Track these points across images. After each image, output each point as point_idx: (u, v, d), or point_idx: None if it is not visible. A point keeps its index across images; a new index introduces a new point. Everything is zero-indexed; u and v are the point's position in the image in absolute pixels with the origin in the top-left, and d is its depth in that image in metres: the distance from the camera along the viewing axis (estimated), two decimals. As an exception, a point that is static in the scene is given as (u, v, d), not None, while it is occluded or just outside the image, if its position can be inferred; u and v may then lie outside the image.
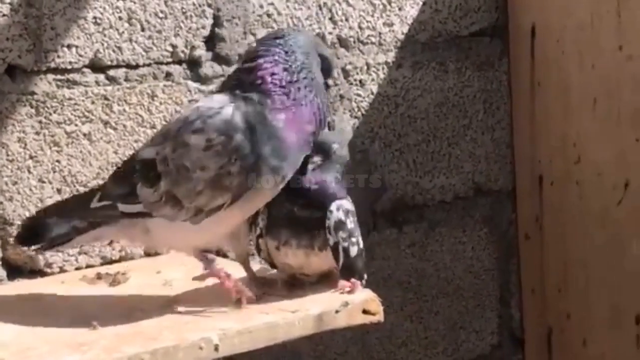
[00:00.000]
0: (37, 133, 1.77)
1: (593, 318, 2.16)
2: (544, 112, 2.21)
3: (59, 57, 1.78)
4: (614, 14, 2.03)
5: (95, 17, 1.81)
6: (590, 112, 2.11)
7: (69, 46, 1.79)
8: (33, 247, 1.61)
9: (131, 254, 1.84)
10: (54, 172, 1.79)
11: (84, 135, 1.81)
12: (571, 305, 2.20)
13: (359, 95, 2.11)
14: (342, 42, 2.08)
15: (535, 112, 2.23)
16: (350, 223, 1.57)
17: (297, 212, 1.54)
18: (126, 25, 1.84)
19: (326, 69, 1.56)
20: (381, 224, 2.14)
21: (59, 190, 1.79)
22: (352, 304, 1.53)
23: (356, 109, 2.11)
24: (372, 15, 2.11)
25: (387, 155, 2.14)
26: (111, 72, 1.83)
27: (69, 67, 1.79)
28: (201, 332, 1.42)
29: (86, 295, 1.64)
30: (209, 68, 1.93)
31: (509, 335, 2.32)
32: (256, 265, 1.91)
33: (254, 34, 1.97)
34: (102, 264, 1.81)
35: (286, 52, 1.52)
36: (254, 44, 1.71)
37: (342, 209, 1.56)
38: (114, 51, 1.83)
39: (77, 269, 1.80)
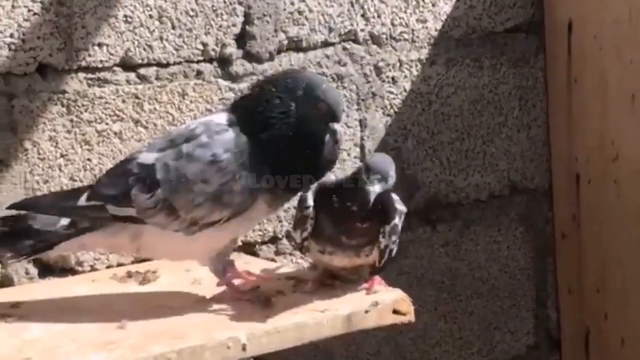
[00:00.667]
0: (68, 132, 1.77)
1: (631, 318, 2.12)
2: (581, 109, 2.18)
3: (89, 55, 1.78)
4: (652, 8, 1.99)
5: (125, 16, 1.81)
6: (628, 108, 2.07)
7: (99, 45, 1.79)
8: (8, 255, 1.55)
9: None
10: (85, 170, 1.79)
11: (115, 133, 1.81)
12: (609, 305, 2.16)
13: (391, 92, 2.09)
14: (375, 39, 2.06)
15: (572, 109, 2.20)
16: (400, 224, 1.55)
17: (357, 225, 1.51)
18: (157, 23, 1.84)
19: (326, 113, 1.50)
20: (414, 223, 2.12)
21: (89, 189, 1.78)
22: (382, 304, 1.51)
23: (389, 107, 2.09)
24: (405, 12, 2.09)
25: (420, 153, 2.12)
26: (142, 71, 1.83)
27: (100, 65, 1.79)
28: (229, 332, 1.41)
29: (116, 294, 1.64)
30: (239, 66, 1.92)
31: (546, 336, 2.29)
32: (289, 264, 1.90)
33: (285, 32, 1.96)
34: (132, 262, 1.81)
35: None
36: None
37: (400, 215, 1.54)
38: (144, 50, 1.83)
39: (107, 267, 1.80)
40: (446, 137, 2.15)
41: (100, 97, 1.80)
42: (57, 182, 1.77)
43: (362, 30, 2.05)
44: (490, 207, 2.21)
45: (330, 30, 2.01)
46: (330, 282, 1.59)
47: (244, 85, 1.91)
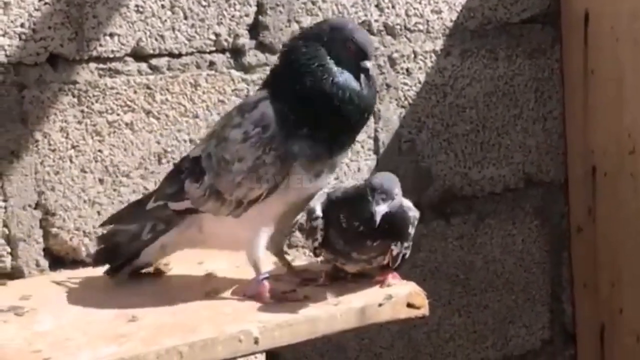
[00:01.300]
0: (79, 122, 1.76)
1: (648, 313, 2.10)
2: (598, 101, 2.15)
3: (101, 45, 1.77)
4: (670, -1, 1.96)
5: (137, 5, 1.79)
6: (645, 100, 2.04)
7: (111, 35, 1.77)
8: (110, 270, 1.63)
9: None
10: (96, 161, 1.78)
11: (126, 124, 1.79)
12: (625, 300, 2.14)
13: (405, 84, 2.06)
14: (389, 30, 2.04)
15: (589, 101, 2.17)
16: (413, 231, 1.53)
17: (368, 243, 1.49)
18: (169, 13, 1.82)
19: (356, 52, 1.50)
20: (428, 215, 2.10)
21: (100, 180, 1.78)
22: (396, 297, 1.49)
23: (403, 98, 2.06)
24: (420, 2, 2.06)
25: (434, 145, 2.10)
26: (153, 61, 1.82)
27: (111, 56, 1.78)
28: (241, 325, 1.39)
29: (127, 286, 1.63)
30: (252, 57, 1.90)
31: (561, 330, 2.27)
32: (301, 258, 1.88)
33: (298, 22, 1.93)
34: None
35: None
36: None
37: (413, 223, 1.52)
38: (156, 40, 1.81)
39: (119, 259, 1.78)
40: (461, 129, 2.13)
41: (112, 88, 1.78)
42: (68, 174, 1.75)
43: (376, 20, 2.02)
44: (505, 200, 2.19)
45: (344, 20, 1.99)
46: (344, 275, 1.58)
47: (256, 76, 1.89)
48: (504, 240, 2.19)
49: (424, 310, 1.51)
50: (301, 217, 1.57)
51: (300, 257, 1.90)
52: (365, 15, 2.01)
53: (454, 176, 2.13)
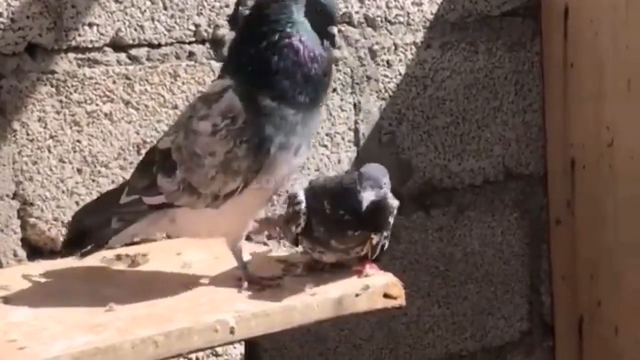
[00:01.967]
0: (58, 112, 1.75)
1: (625, 306, 2.11)
2: (577, 94, 2.16)
3: (79, 35, 1.76)
4: (649, -7, 1.97)
5: (116, -4, 1.79)
6: (624, 93, 2.05)
7: (90, 25, 1.77)
8: (80, 252, 1.61)
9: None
10: (75, 152, 1.77)
11: (105, 115, 1.79)
12: (603, 292, 2.15)
13: (386, 76, 2.07)
14: (370, 22, 2.04)
15: (568, 94, 2.18)
16: (393, 220, 1.54)
17: (349, 233, 1.50)
18: (148, 3, 1.82)
19: (325, 17, 1.47)
20: (408, 207, 2.11)
21: (79, 170, 1.77)
22: (373, 287, 1.50)
23: (383, 90, 2.07)
24: (400, -6, 2.07)
25: (414, 137, 2.11)
26: (133, 52, 1.81)
27: (90, 46, 1.77)
28: (217, 315, 1.40)
29: (104, 277, 1.63)
30: (232, 47, 1.90)
31: (539, 322, 2.28)
32: (282, 249, 1.89)
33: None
34: (122, 246, 1.79)
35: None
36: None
37: (393, 209, 1.53)
38: (135, 30, 1.81)
39: (97, 250, 1.78)
40: (441, 122, 2.13)
41: (90, 78, 1.78)
42: (46, 164, 1.75)
43: (357, 12, 2.03)
44: (484, 192, 2.20)
45: (325, 12, 1.99)
46: (321, 266, 1.58)
47: (236, 67, 1.89)
48: (484, 232, 2.20)
49: (401, 301, 1.52)
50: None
51: (280, 248, 1.91)
52: (346, 7, 2.01)
53: (433, 168, 2.13)
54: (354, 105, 2.04)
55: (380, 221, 1.51)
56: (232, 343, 1.58)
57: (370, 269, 1.55)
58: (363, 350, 2.08)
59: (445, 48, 2.12)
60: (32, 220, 1.74)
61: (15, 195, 1.73)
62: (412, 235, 2.12)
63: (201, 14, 1.86)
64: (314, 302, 1.45)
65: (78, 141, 1.77)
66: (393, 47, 2.07)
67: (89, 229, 1.59)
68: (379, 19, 2.05)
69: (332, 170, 2.01)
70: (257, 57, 1.46)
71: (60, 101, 1.75)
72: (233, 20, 1.89)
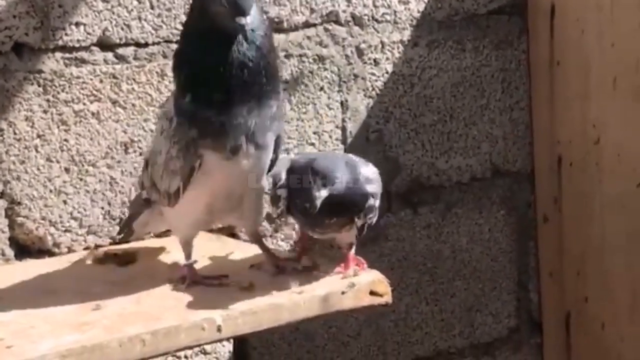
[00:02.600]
0: (45, 112, 1.76)
1: (612, 302, 2.12)
2: (563, 92, 2.17)
3: (66, 35, 1.76)
4: (634, -9, 1.98)
5: (103, -5, 1.79)
6: (610, 91, 2.06)
7: (77, 24, 1.77)
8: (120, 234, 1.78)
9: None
10: (62, 151, 1.77)
11: (92, 114, 1.79)
12: (590, 288, 2.16)
13: (373, 74, 2.07)
14: (356, 20, 2.05)
15: (555, 92, 2.19)
16: (377, 202, 1.54)
17: (326, 221, 1.50)
18: (135, 2, 1.82)
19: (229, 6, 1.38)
20: (396, 205, 2.11)
21: (66, 170, 1.77)
22: (359, 285, 1.50)
23: (370, 89, 2.07)
24: (387, -7, 2.07)
25: (402, 135, 2.11)
26: (120, 51, 1.82)
27: (77, 45, 1.77)
28: (204, 313, 1.40)
29: (92, 276, 1.63)
30: (219, 46, 1.90)
31: (527, 319, 2.29)
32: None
33: (265, 12, 1.93)
34: (110, 244, 1.80)
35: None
36: None
37: (374, 196, 1.53)
38: (122, 29, 1.81)
39: (85, 249, 1.79)
40: (428, 120, 2.14)
41: (78, 77, 1.78)
42: (34, 163, 1.75)
43: (344, 11, 2.03)
44: (472, 189, 2.21)
45: (312, 11, 1.99)
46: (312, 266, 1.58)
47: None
48: (471, 229, 2.21)
49: (387, 298, 1.52)
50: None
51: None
52: (333, 6, 2.02)
53: (421, 166, 2.14)
54: (341, 103, 2.04)
55: (352, 206, 1.50)
56: (219, 341, 1.58)
57: (354, 265, 1.55)
58: (351, 348, 2.09)
59: (432, 46, 2.13)
60: (19, 219, 1.75)
61: (2, 195, 1.73)
62: (400, 232, 2.13)
63: (188, 13, 1.87)
64: (301, 300, 1.46)
65: (65, 140, 1.77)
66: (380, 46, 2.08)
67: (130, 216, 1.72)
68: (366, 17, 2.06)
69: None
70: (178, 58, 1.50)
71: (48, 100, 1.76)
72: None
